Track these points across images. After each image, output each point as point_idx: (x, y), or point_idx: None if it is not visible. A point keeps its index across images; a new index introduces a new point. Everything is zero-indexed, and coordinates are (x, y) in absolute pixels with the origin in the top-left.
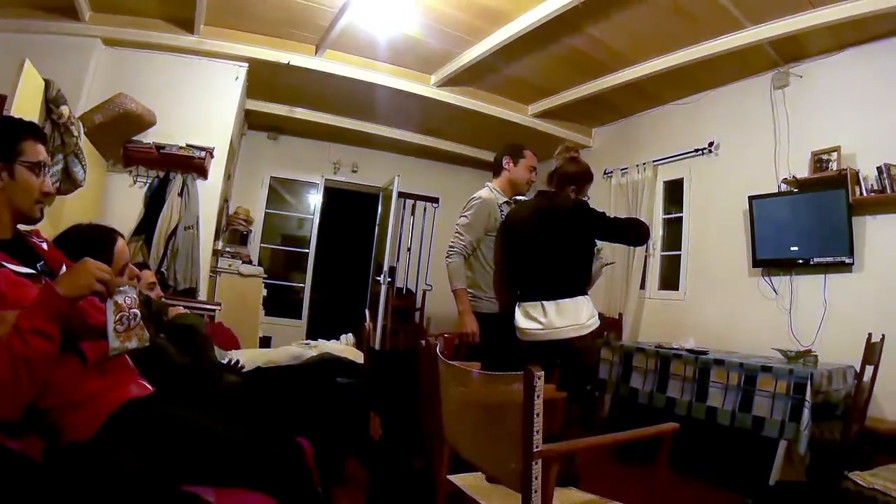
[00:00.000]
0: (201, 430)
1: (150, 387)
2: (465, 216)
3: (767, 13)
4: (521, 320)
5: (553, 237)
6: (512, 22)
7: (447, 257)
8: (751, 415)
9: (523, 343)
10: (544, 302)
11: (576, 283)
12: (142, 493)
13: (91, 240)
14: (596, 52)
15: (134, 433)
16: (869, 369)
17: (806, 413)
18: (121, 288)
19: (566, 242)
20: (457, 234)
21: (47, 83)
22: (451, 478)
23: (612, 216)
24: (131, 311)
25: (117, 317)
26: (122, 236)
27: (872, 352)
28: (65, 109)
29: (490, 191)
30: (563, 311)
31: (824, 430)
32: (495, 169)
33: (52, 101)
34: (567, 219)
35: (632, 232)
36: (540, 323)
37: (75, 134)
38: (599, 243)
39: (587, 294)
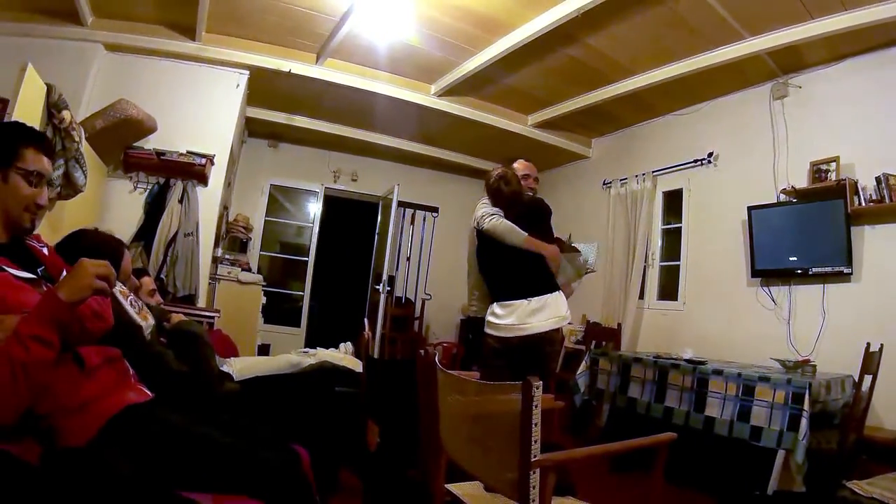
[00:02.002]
0: (199, 437)
1: (148, 392)
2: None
3: (766, 24)
4: (503, 317)
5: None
6: (512, 32)
7: (490, 220)
8: (748, 425)
9: (496, 340)
10: (521, 300)
11: (547, 278)
12: (139, 498)
13: (101, 252)
14: (595, 62)
15: (132, 438)
16: (867, 379)
17: (804, 423)
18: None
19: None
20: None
21: (49, 88)
22: (449, 487)
23: (552, 231)
24: (130, 297)
25: (127, 301)
26: (128, 249)
27: (871, 361)
28: (66, 114)
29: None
30: (545, 306)
31: (822, 439)
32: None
33: (53, 106)
34: (527, 214)
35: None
36: (519, 318)
37: (76, 139)
38: (581, 249)
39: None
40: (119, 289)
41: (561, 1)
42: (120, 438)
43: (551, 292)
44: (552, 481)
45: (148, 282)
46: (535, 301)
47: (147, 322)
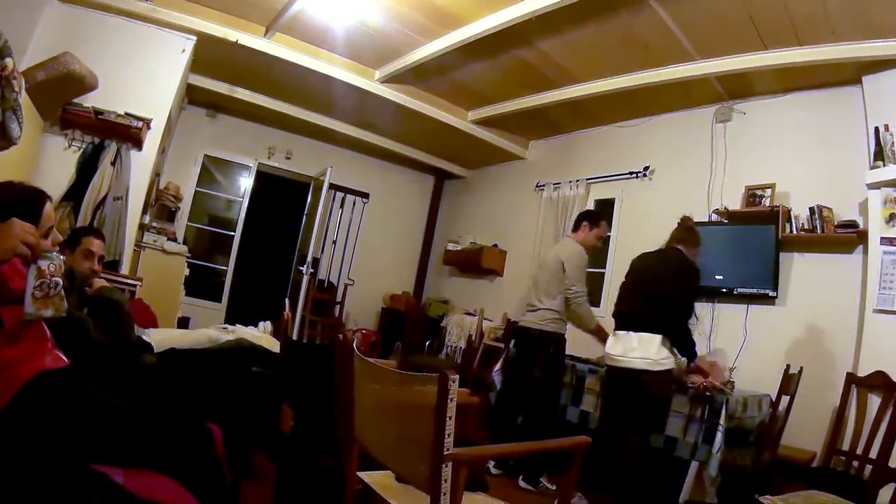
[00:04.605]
0: (114, 409)
1: (65, 359)
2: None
3: (719, 48)
4: (609, 346)
5: (652, 281)
6: (464, 27)
7: (581, 303)
8: (664, 434)
9: (608, 367)
10: (630, 333)
11: (658, 322)
12: (49, 468)
13: (19, 197)
14: (543, 66)
15: (46, 406)
16: (785, 399)
17: (719, 437)
18: (47, 254)
19: (661, 287)
20: (579, 286)
21: None
22: (361, 475)
23: (692, 301)
24: (53, 279)
25: (38, 282)
26: (50, 200)
27: (789, 383)
28: (9, 62)
29: (575, 243)
30: (641, 343)
31: (736, 455)
32: (575, 225)
33: None
34: (668, 268)
35: (679, 331)
36: (622, 350)
37: (16, 89)
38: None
39: (665, 335)
40: (41, 266)
41: (518, 1)
42: (34, 405)
43: (652, 332)
44: (464, 476)
45: (98, 245)
46: (636, 336)
47: (38, 311)
